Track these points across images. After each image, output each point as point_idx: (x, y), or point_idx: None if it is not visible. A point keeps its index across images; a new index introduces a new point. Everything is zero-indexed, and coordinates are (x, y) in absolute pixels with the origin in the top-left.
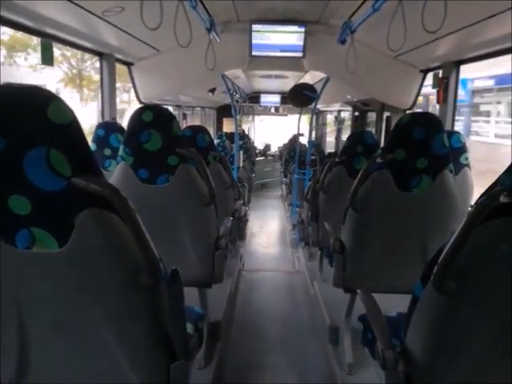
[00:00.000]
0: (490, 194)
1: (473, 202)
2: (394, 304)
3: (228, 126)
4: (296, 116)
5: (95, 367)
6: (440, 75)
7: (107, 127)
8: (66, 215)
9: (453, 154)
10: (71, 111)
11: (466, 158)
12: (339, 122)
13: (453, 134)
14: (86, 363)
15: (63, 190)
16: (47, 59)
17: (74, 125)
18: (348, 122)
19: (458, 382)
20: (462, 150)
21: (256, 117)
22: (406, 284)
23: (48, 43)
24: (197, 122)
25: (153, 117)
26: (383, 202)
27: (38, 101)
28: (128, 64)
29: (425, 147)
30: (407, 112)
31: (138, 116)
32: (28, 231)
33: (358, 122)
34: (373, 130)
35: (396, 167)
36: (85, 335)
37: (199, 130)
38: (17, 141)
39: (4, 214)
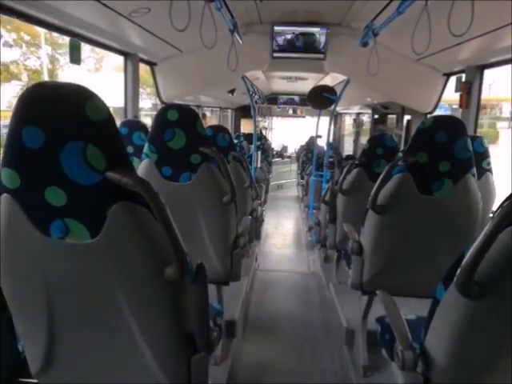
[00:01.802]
0: None
1: (494, 207)
2: (410, 307)
3: (246, 127)
4: (313, 118)
5: (119, 356)
6: (463, 79)
7: (130, 125)
8: (99, 208)
9: (475, 158)
10: (107, 108)
11: (489, 163)
12: (358, 124)
13: (475, 138)
14: (110, 352)
15: (97, 184)
16: (75, 58)
17: (109, 121)
18: (366, 126)
19: None
20: (485, 154)
21: (272, 120)
22: (424, 287)
23: (76, 43)
24: (214, 122)
25: (178, 116)
26: (404, 205)
27: (77, 97)
28: (151, 64)
29: (448, 151)
30: (428, 116)
31: (162, 114)
32: (62, 222)
33: (378, 125)
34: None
35: (418, 170)
36: (111, 325)
37: (220, 130)
38: (56, 135)
39: (40, 205)
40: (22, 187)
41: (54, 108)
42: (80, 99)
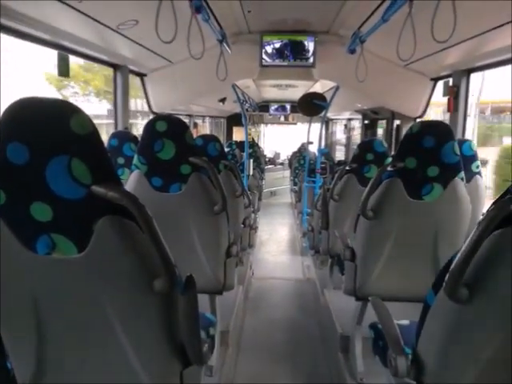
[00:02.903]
0: (501, 202)
1: (484, 210)
2: (404, 312)
3: (238, 135)
4: (305, 124)
5: (109, 370)
6: (450, 83)
7: (120, 137)
8: (86, 222)
9: (464, 162)
10: (91, 122)
11: (478, 166)
12: (349, 130)
13: (464, 142)
14: (100, 366)
15: (83, 198)
16: (63, 71)
17: (94, 135)
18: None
19: None
20: (474, 158)
21: (265, 127)
22: (416, 292)
23: (65, 56)
24: (206, 131)
25: (166, 126)
26: (394, 210)
27: (61, 112)
28: (141, 75)
29: (435, 155)
30: (417, 120)
31: (151, 126)
32: (48, 237)
33: (368, 130)
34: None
35: (407, 175)
36: (100, 340)
37: (210, 139)
38: (40, 150)
39: (26, 221)
40: (7, 203)
41: (38, 123)
42: (64, 114)
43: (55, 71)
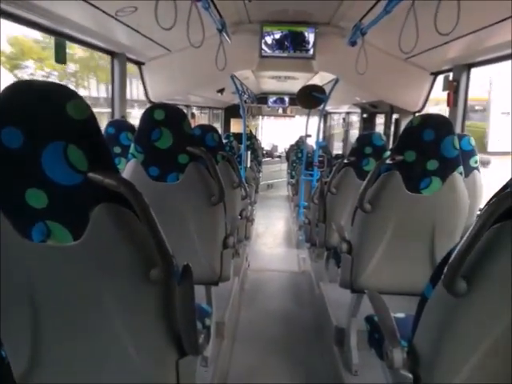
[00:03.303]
0: (501, 195)
1: (482, 205)
2: (400, 305)
3: (235, 127)
4: (303, 117)
5: (105, 358)
6: (450, 78)
7: (117, 125)
8: (82, 209)
9: (463, 156)
10: (88, 107)
11: (476, 161)
12: (347, 123)
13: (463, 136)
14: (96, 354)
15: (79, 185)
16: (60, 58)
17: (91, 120)
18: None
19: (466, 382)
20: (472, 153)
21: (262, 121)
22: (413, 285)
23: (62, 42)
24: (203, 122)
25: (164, 115)
26: (392, 203)
27: (57, 97)
28: (139, 63)
29: (435, 149)
30: (416, 114)
31: (149, 114)
32: (44, 224)
33: (367, 124)
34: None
35: (406, 169)
36: (96, 328)
37: (208, 130)
38: (35, 135)
39: (20, 208)
40: (1, 189)
41: (33, 107)
42: (60, 98)
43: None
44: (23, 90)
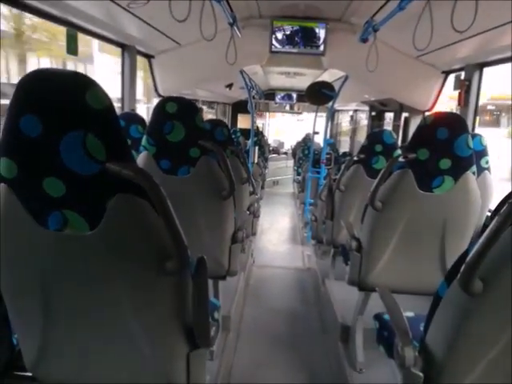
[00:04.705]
0: None
1: (492, 206)
2: (408, 304)
3: (242, 122)
4: (310, 114)
5: (117, 350)
6: (462, 77)
7: (128, 118)
8: (99, 199)
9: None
10: (108, 97)
11: (487, 162)
12: (355, 121)
13: (474, 136)
14: (107, 346)
15: (97, 174)
16: (72, 49)
17: (110, 110)
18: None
19: (478, 382)
20: (483, 153)
21: (269, 118)
22: (422, 284)
23: (73, 33)
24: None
25: (177, 108)
26: (404, 202)
27: (77, 86)
28: (149, 56)
29: (448, 148)
30: (426, 114)
31: (161, 107)
32: (60, 213)
33: (375, 122)
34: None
35: (418, 167)
36: (109, 318)
37: (218, 124)
38: (55, 124)
39: (38, 196)
40: (19, 177)
41: (53, 96)
42: (80, 87)
43: None
44: (42, 78)
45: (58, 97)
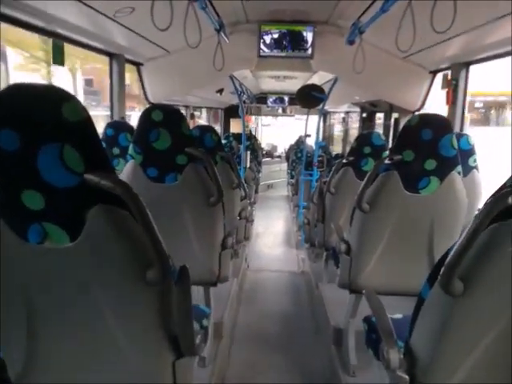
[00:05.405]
0: (498, 195)
1: (481, 205)
2: (397, 306)
3: (235, 127)
4: (303, 116)
5: (100, 360)
6: (449, 76)
7: (116, 126)
8: (78, 211)
9: (461, 156)
10: (85, 109)
11: (475, 160)
12: (346, 123)
13: (461, 136)
14: (91, 356)
15: (76, 186)
16: (58, 60)
17: (87, 122)
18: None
19: (463, 382)
20: (471, 152)
21: (262, 121)
22: (411, 286)
23: (59, 44)
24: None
25: (162, 116)
26: (390, 204)
27: (53, 99)
28: (137, 64)
29: (433, 149)
30: (416, 113)
31: (147, 115)
32: (40, 226)
33: (366, 123)
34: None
35: (404, 168)
36: (92, 329)
37: (207, 130)
38: (31, 137)
39: (17, 209)
40: None
41: (29, 110)
42: (56, 100)
43: None
44: (19, 92)
45: (34, 111)
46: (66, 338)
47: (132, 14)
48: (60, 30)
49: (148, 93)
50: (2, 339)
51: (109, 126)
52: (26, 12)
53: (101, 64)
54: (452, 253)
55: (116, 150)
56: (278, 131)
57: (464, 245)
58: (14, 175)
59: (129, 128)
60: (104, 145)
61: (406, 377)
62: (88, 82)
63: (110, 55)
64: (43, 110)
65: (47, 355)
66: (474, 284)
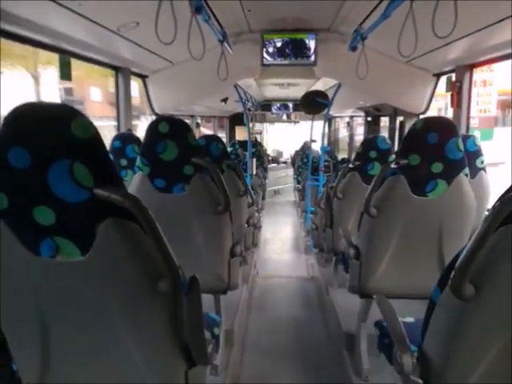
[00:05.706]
0: (507, 197)
1: (489, 206)
2: (409, 309)
3: (241, 135)
4: (308, 122)
5: (113, 371)
6: (453, 79)
7: (124, 138)
8: (89, 225)
9: (468, 157)
10: (93, 126)
11: (482, 162)
12: (351, 127)
13: (468, 137)
14: (104, 367)
15: (86, 201)
16: (65, 75)
17: (95, 138)
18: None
19: None
20: (478, 153)
21: (267, 127)
22: (421, 289)
23: (66, 59)
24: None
25: (169, 128)
26: (398, 208)
27: (62, 117)
28: (143, 77)
29: (439, 152)
30: (420, 116)
31: (154, 127)
32: (52, 240)
33: (371, 127)
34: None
35: (411, 172)
36: (104, 340)
37: (213, 139)
38: (42, 155)
39: (29, 225)
40: (9, 208)
41: (39, 127)
42: (65, 118)
43: None
44: (29, 111)
45: (44, 128)
46: (78, 350)
47: (136, 28)
48: (67, 46)
49: (154, 104)
50: (17, 353)
51: (116, 138)
52: (31, 29)
53: (79, 72)
54: (461, 257)
55: (124, 162)
56: (283, 134)
57: (473, 249)
58: (25, 192)
59: (136, 140)
60: (112, 157)
61: (420, 381)
62: (68, 92)
63: (116, 69)
64: (53, 127)
65: (60, 368)
66: (485, 287)
